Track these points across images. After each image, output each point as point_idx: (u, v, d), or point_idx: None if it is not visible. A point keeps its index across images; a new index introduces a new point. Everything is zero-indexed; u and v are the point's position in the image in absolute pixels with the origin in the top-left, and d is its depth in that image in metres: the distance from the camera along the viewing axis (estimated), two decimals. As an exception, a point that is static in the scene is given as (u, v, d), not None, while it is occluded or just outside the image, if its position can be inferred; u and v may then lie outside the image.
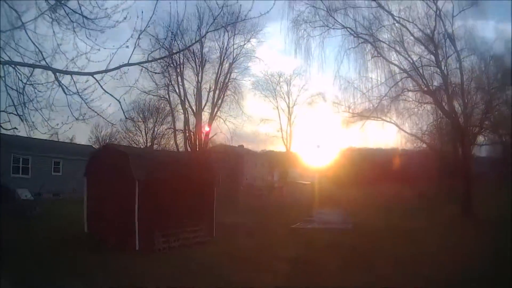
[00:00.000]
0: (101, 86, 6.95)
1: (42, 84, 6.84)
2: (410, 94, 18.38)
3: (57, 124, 6.98)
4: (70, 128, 7.26)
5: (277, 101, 32.02)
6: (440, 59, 17.22)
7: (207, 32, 12.34)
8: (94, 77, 6.89)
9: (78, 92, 6.84)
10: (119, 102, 7.31)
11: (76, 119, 7.12)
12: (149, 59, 7.84)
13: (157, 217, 11.40)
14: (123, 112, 7.70)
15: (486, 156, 27.83)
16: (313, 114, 32.97)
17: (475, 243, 11.55)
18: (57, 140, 35.78)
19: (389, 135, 23.38)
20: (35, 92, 6.78)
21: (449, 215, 16.88)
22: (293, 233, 14.12)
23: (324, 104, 21.37)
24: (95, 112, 7.31)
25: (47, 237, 11.44)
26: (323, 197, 21.19)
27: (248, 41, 27.29)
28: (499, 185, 23.52)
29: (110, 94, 7.11)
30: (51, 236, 11.58)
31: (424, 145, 21.13)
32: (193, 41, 23.34)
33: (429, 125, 19.23)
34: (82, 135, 74.64)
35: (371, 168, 32.97)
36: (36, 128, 6.90)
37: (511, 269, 7.38)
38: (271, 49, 70.77)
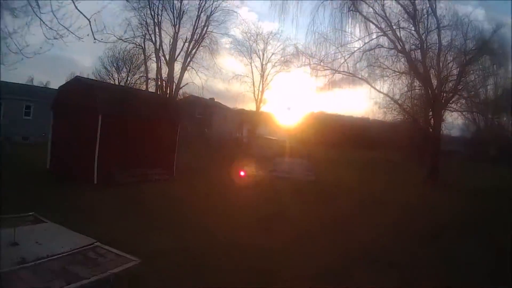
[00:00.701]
0: (74, 4, 7.18)
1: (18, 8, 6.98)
2: (386, 62, 18.06)
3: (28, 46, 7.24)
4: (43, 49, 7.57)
5: (251, 58, 31.52)
6: (418, 20, 16.89)
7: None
8: None
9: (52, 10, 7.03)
10: (89, 22, 7.52)
11: (47, 38, 7.40)
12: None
13: (118, 152, 11.50)
14: (92, 34, 7.79)
15: (460, 136, 28.88)
16: (286, 75, 32.84)
17: (427, 200, 12.36)
18: (31, 84, 35.22)
19: (362, 104, 23.72)
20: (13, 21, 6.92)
21: (413, 178, 17.47)
22: (250, 179, 14.58)
23: (297, 62, 21.01)
24: (66, 28, 7.50)
25: (9, 173, 11.65)
26: (290, 152, 21.70)
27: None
28: (469, 162, 24.94)
29: (81, 13, 7.27)
30: (12, 172, 11.77)
31: (395, 114, 21.41)
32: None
33: (402, 94, 19.04)
34: (58, 82, 72.54)
35: (341, 133, 33.59)
36: (12, 51, 7.19)
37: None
38: (251, 11, 70.35)
